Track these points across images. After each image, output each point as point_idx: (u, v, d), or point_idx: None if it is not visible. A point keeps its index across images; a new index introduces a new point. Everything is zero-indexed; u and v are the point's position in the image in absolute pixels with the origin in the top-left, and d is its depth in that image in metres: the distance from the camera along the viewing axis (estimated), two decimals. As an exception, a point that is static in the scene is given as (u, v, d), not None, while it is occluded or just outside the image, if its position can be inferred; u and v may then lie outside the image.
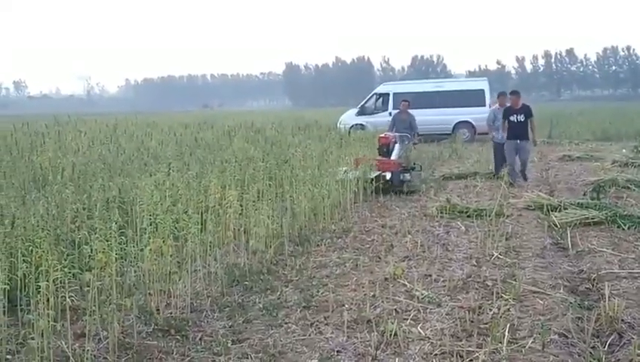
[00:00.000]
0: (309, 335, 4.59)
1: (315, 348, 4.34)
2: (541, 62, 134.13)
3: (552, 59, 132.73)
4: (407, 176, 11.04)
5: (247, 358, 4.16)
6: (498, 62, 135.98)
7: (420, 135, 20.59)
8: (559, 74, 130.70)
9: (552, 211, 8.48)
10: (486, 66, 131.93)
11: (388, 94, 22.90)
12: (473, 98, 22.03)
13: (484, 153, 16.80)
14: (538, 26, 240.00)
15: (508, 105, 11.89)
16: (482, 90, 22.28)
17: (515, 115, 11.55)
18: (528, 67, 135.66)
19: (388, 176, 10.80)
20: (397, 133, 12.59)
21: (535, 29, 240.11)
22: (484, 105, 21.86)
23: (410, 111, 14.29)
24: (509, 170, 11.46)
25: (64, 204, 6.41)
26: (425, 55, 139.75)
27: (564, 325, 4.58)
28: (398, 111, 14.63)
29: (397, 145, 11.85)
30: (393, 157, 11.49)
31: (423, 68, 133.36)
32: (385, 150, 11.77)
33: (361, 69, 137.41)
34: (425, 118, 21.49)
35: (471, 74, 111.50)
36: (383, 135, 12.44)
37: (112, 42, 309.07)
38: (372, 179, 10.42)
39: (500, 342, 4.21)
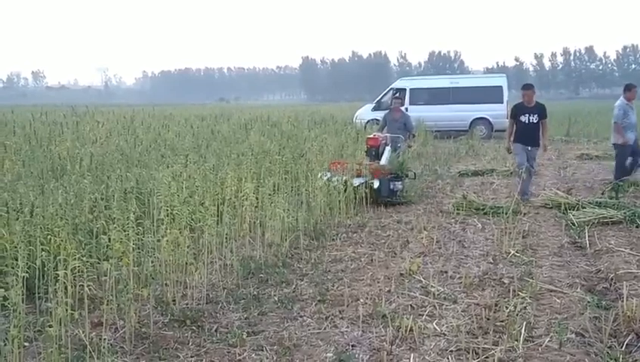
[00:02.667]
0: (324, 328, 4.59)
1: (330, 341, 4.34)
2: (560, 59, 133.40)
3: (571, 57, 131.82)
4: (399, 184, 9.41)
5: (263, 350, 4.17)
6: (516, 59, 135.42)
7: (434, 132, 20.66)
8: (578, 72, 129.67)
9: (569, 210, 8.41)
10: (504, 63, 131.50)
11: (404, 89, 22.78)
12: (491, 94, 21.88)
13: (500, 150, 16.67)
14: (557, 23, 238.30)
15: (519, 101, 9.78)
16: (500, 87, 22.11)
17: (528, 115, 9.45)
18: (547, 64, 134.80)
19: (375, 184, 9.21)
20: (388, 134, 11.21)
21: (554, 26, 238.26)
22: (502, 102, 21.72)
23: (403, 109, 13.21)
24: (520, 175, 9.45)
25: (82, 194, 6.44)
26: (442, 51, 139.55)
27: (581, 324, 4.54)
28: (388, 110, 12.64)
29: (387, 148, 10.48)
30: (383, 161, 10.01)
31: (440, 64, 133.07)
32: (374, 153, 10.49)
33: (378, 63, 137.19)
34: (442, 114, 21.54)
35: (489, 70, 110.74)
36: (371, 136, 11.15)
37: (130, 34, 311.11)
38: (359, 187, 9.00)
39: (517, 340, 4.19)
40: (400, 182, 9.43)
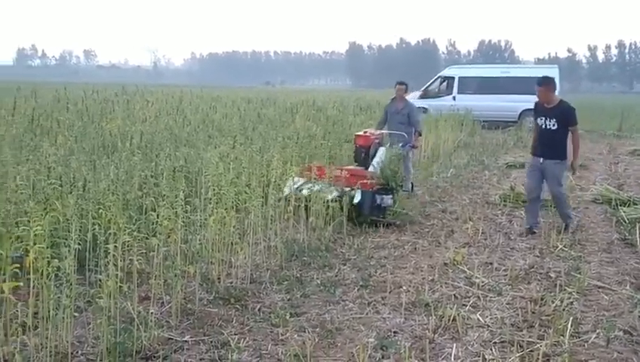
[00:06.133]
0: (366, 314, 4.60)
1: (372, 327, 4.35)
2: (614, 52, 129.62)
3: (626, 50, 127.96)
4: (388, 199, 7.26)
5: (305, 332, 4.20)
6: (569, 51, 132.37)
7: (482, 122, 20.30)
8: (632, 65, 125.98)
9: (620, 206, 8.20)
10: (556, 54, 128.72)
11: (453, 78, 22.46)
12: (542, 86, 21.34)
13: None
14: (613, 14, 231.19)
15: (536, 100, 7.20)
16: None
17: (544, 119, 6.99)
18: (600, 57, 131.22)
19: (356, 197, 7.10)
20: (384, 131, 9.16)
21: (609, 18, 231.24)
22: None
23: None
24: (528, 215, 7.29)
25: (132, 171, 6.58)
26: (492, 40, 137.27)
27: (629, 322, 4.45)
28: (392, 98, 9.66)
29: (381, 149, 8.26)
30: (373, 166, 8.00)
31: (490, 53, 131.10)
32: (363, 155, 8.43)
33: (426, 51, 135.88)
34: (490, 103, 21.14)
35: (540, 61, 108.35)
36: (361, 133, 8.92)
37: (180, 16, 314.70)
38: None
39: (562, 335, 4.12)
40: (390, 196, 7.30)
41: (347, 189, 7.11)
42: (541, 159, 7.00)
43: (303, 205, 6.65)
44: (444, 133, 15.34)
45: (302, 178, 7.30)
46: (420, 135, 9.71)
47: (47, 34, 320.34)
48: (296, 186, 6.87)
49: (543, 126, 6.99)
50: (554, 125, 6.89)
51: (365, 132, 8.85)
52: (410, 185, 9.01)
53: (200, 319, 4.34)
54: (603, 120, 24.32)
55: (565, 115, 6.88)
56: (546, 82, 7.05)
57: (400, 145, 8.30)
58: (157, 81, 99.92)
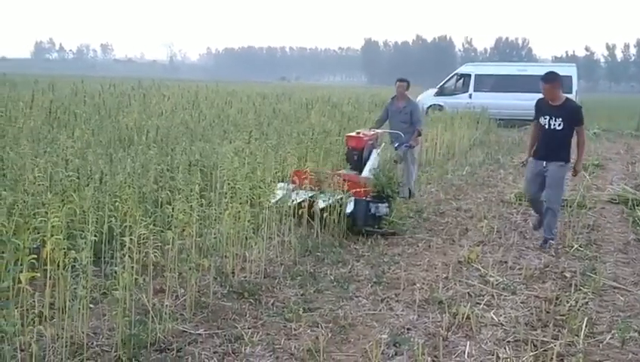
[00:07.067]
0: (380, 310, 4.60)
1: (386, 323, 4.35)
2: (633, 51, 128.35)
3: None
4: (383, 207, 6.64)
5: (318, 327, 4.21)
6: (587, 49, 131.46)
7: (498, 120, 20.17)
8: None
9: (637, 206, 8.14)
10: (574, 52, 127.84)
11: (469, 75, 22.35)
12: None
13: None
14: (632, 12, 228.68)
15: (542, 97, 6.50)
16: (570, 77, 21.30)
17: (549, 118, 6.36)
18: (619, 56, 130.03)
19: (349, 207, 6.51)
20: (380, 131, 8.52)
21: (629, 16, 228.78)
22: (571, 93, 21.00)
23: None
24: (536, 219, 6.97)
25: (148, 164, 6.62)
26: (510, 37, 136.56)
27: (645, 324, 4.41)
28: (392, 97, 8.83)
29: (375, 152, 7.66)
30: (366, 171, 7.29)
31: (507, 50, 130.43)
32: (355, 158, 7.63)
33: (442, 48, 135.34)
34: (507, 102, 21.00)
35: (557, 59, 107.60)
36: (353, 133, 8.03)
37: (196, 10, 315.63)
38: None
39: (577, 335, 4.10)
40: (385, 205, 6.69)
41: (339, 197, 6.50)
42: (544, 163, 6.44)
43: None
44: (460, 130, 15.27)
45: (291, 184, 6.72)
46: (420, 135, 8.70)
47: (64, 28, 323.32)
48: (281, 195, 6.27)
49: (547, 126, 6.38)
50: (560, 125, 6.30)
51: (358, 132, 7.97)
52: (409, 191, 8.34)
53: (214, 312, 4.36)
54: (621, 119, 24.11)
55: (573, 115, 6.33)
56: (552, 78, 6.39)
57: (395, 145, 7.86)
58: (173, 75, 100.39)
